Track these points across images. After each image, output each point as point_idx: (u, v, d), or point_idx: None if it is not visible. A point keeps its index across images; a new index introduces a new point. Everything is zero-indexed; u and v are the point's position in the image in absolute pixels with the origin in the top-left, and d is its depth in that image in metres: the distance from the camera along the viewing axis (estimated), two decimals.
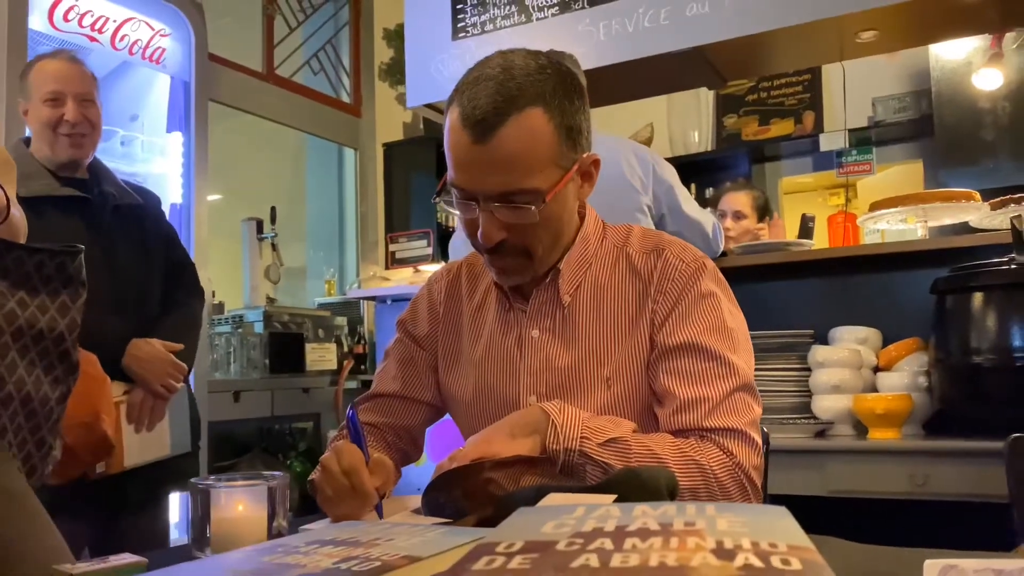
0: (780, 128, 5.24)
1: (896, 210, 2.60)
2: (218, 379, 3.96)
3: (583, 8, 2.68)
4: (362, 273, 5.17)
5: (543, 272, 1.22)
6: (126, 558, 0.90)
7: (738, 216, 3.42)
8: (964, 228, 2.80)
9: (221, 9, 4.29)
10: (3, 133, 2.75)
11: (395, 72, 5.22)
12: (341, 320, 4.78)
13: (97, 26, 3.20)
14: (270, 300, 4.41)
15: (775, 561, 0.42)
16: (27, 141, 2.01)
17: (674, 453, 1.07)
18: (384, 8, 5.47)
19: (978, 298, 2.09)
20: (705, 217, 2.58)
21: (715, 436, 1.10)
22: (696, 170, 5.25)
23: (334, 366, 4.44)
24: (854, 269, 2.57)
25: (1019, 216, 2.25)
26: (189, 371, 2.07)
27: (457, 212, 1.16)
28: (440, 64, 2.94)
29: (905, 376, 2.28)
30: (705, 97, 5.39)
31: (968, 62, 4.28)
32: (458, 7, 2.91)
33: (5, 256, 0.94)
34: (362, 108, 5.42)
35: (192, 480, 1.02)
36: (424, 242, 4.22)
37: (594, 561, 0.44)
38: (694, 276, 1.19)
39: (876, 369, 2.39)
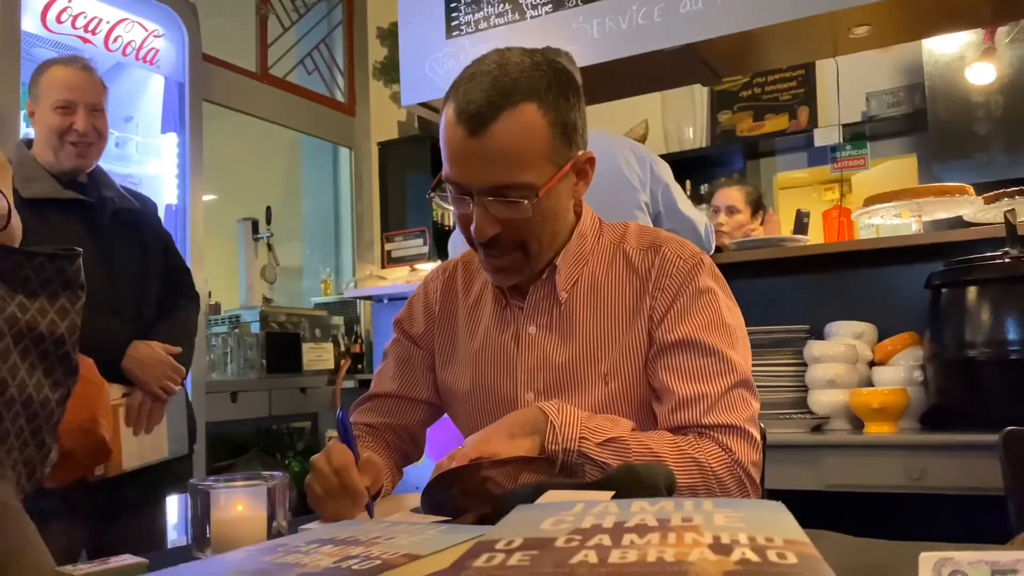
0: (774, 124, 5.24)
1: (890, 205, 2.61)
2: (215, 379, 3.96)
3: (576, 5, 2.68)
4: (358, 272, 5.17)
5: (539, 269, 1.23)
6: (127, 559, 0.90)
7: (731, 211, 3.43)
8: (958, 222, 2.81)
9: (214, 9, 4.29)
10: None
11: (389, 71, 5.22)
12: (338, 319, 4.78)
13: (91, 27, 3.19)
14: (266, 300, 4.41)
15: (771, 555, 0.43)
16: (28, 143, 2.02)
17: (673, 451, 1.07)
18: (377, 7, 5.47)
19: (973, 292, 2.10)
20: (698, 216, 2.62)
21: (714, 433, 1.10)
22: (691, 166, 5.26)
23: (331, 365, 4.44)
24: (849, 264, 2.58)
25: (1012, 210, 2.26)
26: (186, 374, 2.07)
27: (452, 207, 1.17)
28: (434, 62, 2.94)
29: (900, 370, 2.28)
30: (699, 93, 5.40)
31: (961, 56, 4.29)
32: (452, 5, 2.91)
33: (4, 260, 0.94)
34: (356, 107, 5.41)
35: (192, 480, 1.02)
36: (420, 241, 4.22)
37: (593, 557, 0.45)
38: (692, 272, 1.19)
39: (872, 364, 2.40)
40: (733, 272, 1.31)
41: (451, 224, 5.35)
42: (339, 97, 5.37)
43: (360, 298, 4.60)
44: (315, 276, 5.39)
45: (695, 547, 0.45)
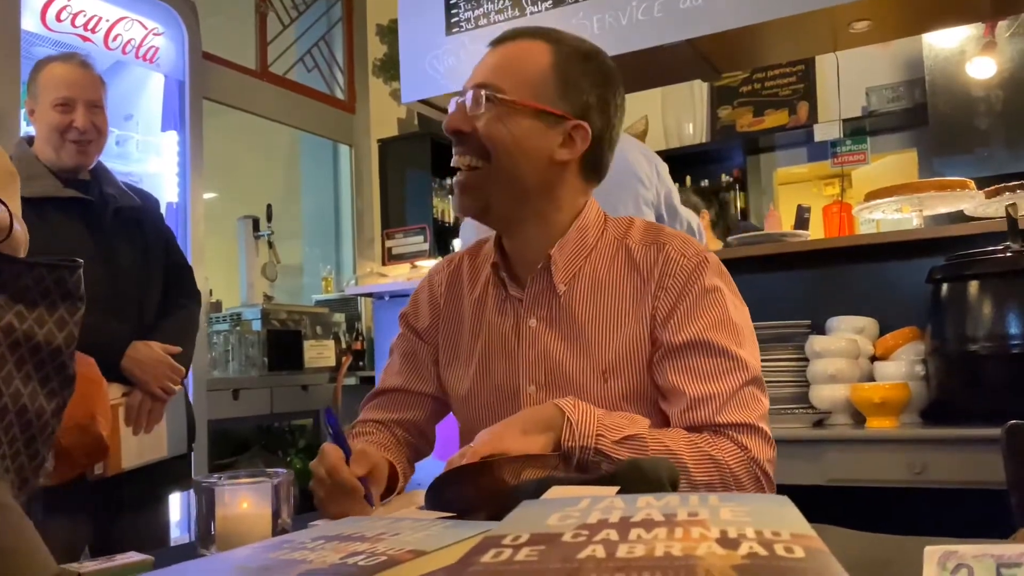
0: (774, 119, 5.24)
1: (891, 199, 2.61)
2: (217, 377, 3.96)
3: (577, 1, 2.67)
4: (359, 270, 5.17)
5: (503, 205, 1.22)
6: (132, 556, 0.90)
7: None
8: (959, 217, 2.80)
9: (214, 7, 4.28)
10: None
11: (389, 68, 5.22)
12: (339, 317, 4.78)
13: (90, 26, 3.19)
14: (267, 298, 4.41)
15: (779, 549, 0.43)
16: (29, 140, 2.01)
17: (690, 449, 1.06)
18: (377, 3, 5.46)
19: (974, 286, 2.10)
20: (693, 218, 2.75)
21: (728, 431, 1.10)
22: (691, 162, 5.26)
23: (333, 363, 4.45)
24: (850, 259, 2.58)
25: (1014, 204, 2.26)
26: (186, 374, 2.07)
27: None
28: (434, 59, 2.93)
29: (902, 365, 2.28)
30: (699, 89, 5.40)
31: (961, 51, 4.28)
32: (452, 2, 2.90)
33: (3, 270, 0.94)
34: (356, 104, 5.41)
35: (196, 478, 1.02)
36: (420, 238, 4.22)
37: (600, 552, 0.45)
38: (696, 271, 1.18)
39: (873, 358, 2.40)
40: (734, 268, 1.30)
41: (451, 221, 5.35)
42: (339, 94, 5.37)
43: (361, 295, 4.61)
44: (316, 273, 5.39)
45: (702, 541, 0.45)
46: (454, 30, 2.90)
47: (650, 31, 2.56)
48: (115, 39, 3.27)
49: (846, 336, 2.39)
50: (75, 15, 3.13)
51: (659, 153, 2.83)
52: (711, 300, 1.17)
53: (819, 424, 2.34)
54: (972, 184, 2.55)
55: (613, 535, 0.48)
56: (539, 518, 0.54)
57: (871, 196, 2.66)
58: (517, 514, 0.57)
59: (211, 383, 3.69)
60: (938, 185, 2.58)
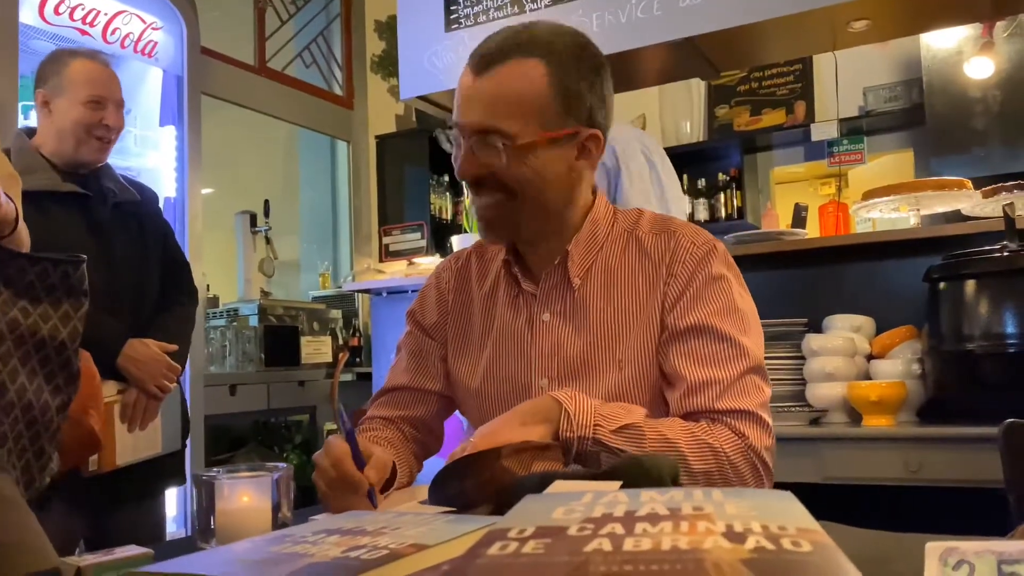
0: (772, 118, 5.25)
1: (888, 199, 2.62)
2: (214, 373, 3.95)
3: None
4: (356, 266, 5.17)
5: (532, 233, 1.22)
6: (132, 550, 0.90)
7: None
8: (956, 216, 2.81)
9: (212, 2, 4.27)
10: None
11: (387, 64, 5.21)
12: (336, 313, 4.78)
13: (88, 19, 3.18)
14: (264, 293, 4.41)
15: (786, 543, 0.43)
16: (29, 132, 2.00)
17: (687, 437, 1.07)
18: (375, 0, 5.46)
19: (971, 285, 2.11)
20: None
21: (726, 418, 1.10)
22: (688, 160, 5.25)
23: (329, 359, 4.45)
24: (847, 258, 2.58)
25: (1011, 204, 2.26)
26: (182, 372, 2.07)
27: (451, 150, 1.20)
28: (433, 56, 2.93)
29: (899, 364, 2.29)
30: (697, 88, 5.40)
31: (959, 51, 4.29)
32: None
33: (8, 265, 0.93)
34: (354, 100, 5.40)
35: (196, 472, 1.02)
36: (418, 235, 4.21)
37: (607, 545, 0.45)
38: (705, 258, 1.19)
39: (870, 357, 2.40)
40: None
41: (448, 218, 5.35)
42: (337, 90, 5.36)
43: (358, 291, 4.60)
44: (313, 269, 5.39)
45: (709, 535, 0.45)
46: (453, 27, 2.89)
47: (649, 29, 2.56)
48: (113, 33, 3.26)
49: (843, 334, 2.39)
50: (73, 8, 3.12)
51: None
52: (718, 287, 1.18)
53: (816, 422, 2.35)
54: (969, 184, 2.56)
55: (619, 529, 0.48)
56: (544, 512, 0.54)
57: (869, 195, 2.66)
58: (521, 508, 0.57)
59: (208, 378, 3.68)
60: (936, 185, 2.59)
